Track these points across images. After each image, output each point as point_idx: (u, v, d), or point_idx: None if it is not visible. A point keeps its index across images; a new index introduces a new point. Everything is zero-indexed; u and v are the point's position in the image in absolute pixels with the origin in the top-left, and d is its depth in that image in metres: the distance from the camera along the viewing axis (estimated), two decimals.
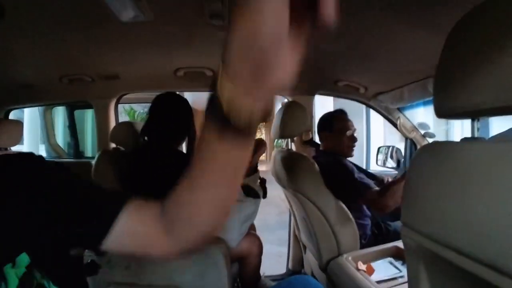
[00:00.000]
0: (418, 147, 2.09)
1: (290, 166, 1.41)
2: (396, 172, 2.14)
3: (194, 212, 0.39)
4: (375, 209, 1.34)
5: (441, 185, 0.57)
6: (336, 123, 1.59)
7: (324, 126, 1.62)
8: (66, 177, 0.45)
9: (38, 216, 0.40)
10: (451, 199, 0.54)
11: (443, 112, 0.58)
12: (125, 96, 1.96)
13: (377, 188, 1.36)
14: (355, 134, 1.63)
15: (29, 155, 0.45)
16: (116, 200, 0.44)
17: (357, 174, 1.40)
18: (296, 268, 1.97)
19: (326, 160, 1.48)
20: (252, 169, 1.49)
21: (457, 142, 0.55)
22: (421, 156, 0.64)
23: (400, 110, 2.03)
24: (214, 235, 0.43)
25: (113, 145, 1.70)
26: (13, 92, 1.77)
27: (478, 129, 0.56)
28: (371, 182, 1.40)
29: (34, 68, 1.49)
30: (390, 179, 1.69)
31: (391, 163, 2.19)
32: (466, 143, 0.54)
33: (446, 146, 0.57)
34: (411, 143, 2.11)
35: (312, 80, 1.76)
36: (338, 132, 1.58)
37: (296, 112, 1.44)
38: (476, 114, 0.53)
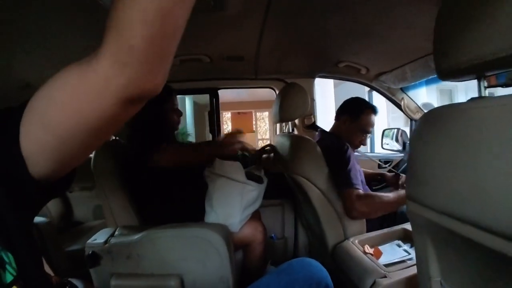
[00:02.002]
0: None
1: (293, 149, 1.37)
2: (402, 155, 2.09)
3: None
4: (346, 208, 1.29)
5: (448, 152, 0.53)
6: (364, 116, 1.50)
7: (349, 111, 1.53)
8: None
9: None
10: (460, 167, 0.51)
11: (445, 73, 0.54)
12: None
13: (360, 191, 1.30)
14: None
15: None
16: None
17: (353, 168, 1.34)
18: (303, 255, 1.94)
19: (331, 142, 1.43)
20: (256, 157, 1.47)
21: (464, 103, 0.51)
22: (424, 123, 0.60)
23: (403, 90, 1.97)
24: (163, 58, 0.37)
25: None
26: (13, 93, 1.76)
27: (485, 88, 0.52)
28: (359, 183, 1.34)
29: (34, 67, 1.47)
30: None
31: (396, 145, 2.15)
32: (474, 103, 0.49)
33: (452, 109, 0.53)
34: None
35: (312, 62, 1.72)
36: (360, 125, 1.50)
37: (296, 95, 1.40)
38: (481, 69, 0.49)
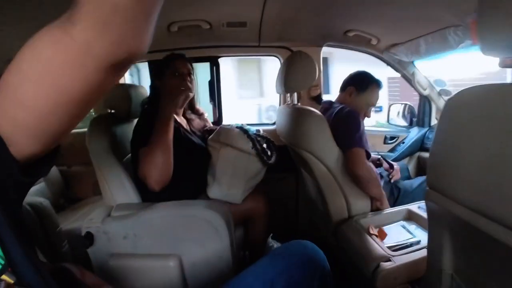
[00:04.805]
0: (433, 105, 1.95)
1: (298, 122, 1.30)
2: (409, 131, 2.03)
3: None
4: (353, 164, 1.26)
5: (485, 139, 0.46)
6: (369, 90, 1.47)
7: (356, 83, 1.49)
8: None
9: None
10: (492, 158, 0.44)
11: (491, 48, 0.46)
12: None
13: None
14: None
15: None
16: None
17: (364, 134, 1.31)
18: (304, 230, 1.94)
19: (340, 109, 1.38)
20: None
21: (508, 84, 0.43)
22: (455, 105, 0.53)
23: (414, 65, 1.86)
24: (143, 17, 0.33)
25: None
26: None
27: None
28: (369, 149, 1.32)
29: (16, 41, 1.37)
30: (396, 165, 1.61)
31: (402, 121, 2.07)
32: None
33: (493, 89, 0.45)
34: (425, 100, 1.98)
35: (320, 29, 1.60)
36: (366, 97, 1.47)
37: (302, 64, 1.30)
38: None
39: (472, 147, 0.48)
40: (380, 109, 4.22)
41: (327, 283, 0.78)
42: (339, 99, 1.53)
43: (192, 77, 1.32)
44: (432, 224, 0.69)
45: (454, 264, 0.66)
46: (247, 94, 6.99)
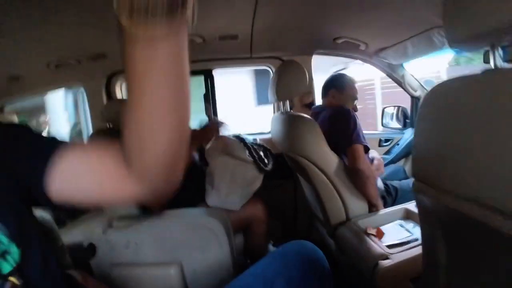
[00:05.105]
0: None
1: (291, 129, 1.33)
2: (403, 133, 2.05)
3: (145, 137, 0.36)
4: (354, 160, 1.29)
5: (459, 128, 0.49)
6: (347, 87, 1.55)
7: (335, 85, 1.57)
8: None
9: None
10: (471, 143, 0.47)
11: (457, 40, 0.49)
12: None
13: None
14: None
15: None
16: (53, 141, 0.44)
17: (360, 129, 1.34)
18: (303, 236, 1.94)
19: (332, 110, 1.42)
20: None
21: (477, 74, 0.46)
22: (431, 98, 0.56)
23: (404, 67, 1.91)
24: (178, 169, 0.41)
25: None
26: (1, 86, 1.71)
27: (501, 57, 0.47)
28: (367, 144, 1.36)
29: (20, 57, 1.42)
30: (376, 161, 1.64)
31: (396, 124, 2.10)
32: (490, 73, 0.45)
33: (463, 81, 0.48)
34: (416, 102, 2.01)
35: (309, 38, 1.65)
36: (347, 94, 1.54)
37: (294, 72, 1.34)
38: (497, 36, 0.44)
39: (448, 136, 0.51)
40: None
41: (327, 283, 0.78)
42: (326, 104, 1.57)
43: None
44: (423, 217, 0.71)
45: (449, 257, 0.67)
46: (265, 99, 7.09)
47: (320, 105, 1.61)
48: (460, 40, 0.49)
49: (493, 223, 0.45)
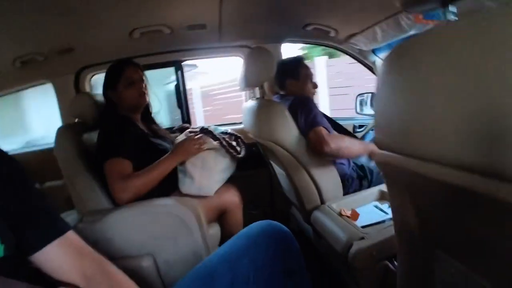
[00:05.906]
0: None
1: (259, 114, 1.32)
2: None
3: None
4: (317, 145, 1.25)
5: (420, 86, 0.48)
6: (302, 69, 1.53)
7: (289, 73, 1.53)
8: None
9: None
10: (414, 104, 0.46)
11: (410, 1, 0.48)
12: None
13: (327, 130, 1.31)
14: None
15: None
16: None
17: (319, 114, 1.33)
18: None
19: (293, 99, 1.40)
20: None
21: (436, 28, 0.46)
22: (394, 58, 0.54)
23: (375, 53, 1.93)
24: None
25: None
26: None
27: (454, 14, 0.46)
28: (328, 126, 1.33)
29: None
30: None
31: (370, 110, 2.13)
32: (439, 28, 0.44)
33: (419, 38, 0.47)
34: None
35: (279, 25, 1.63)
36: (304, 78, 1.52)
37: (261, 59, 1.32)
38: None
39: (403, 96, 0.50)
40: None
41: (294, 262, 0.74)
42: (288, 93, 1.56)
43: (145, 83, 1.33)
44: (390, 188, 0.70)
45: (420, 225, 0.66)
46: None
47: (281, 94, 1.59)
48: (413, 1, 0.48)
49: (457, 181, 0.44)
